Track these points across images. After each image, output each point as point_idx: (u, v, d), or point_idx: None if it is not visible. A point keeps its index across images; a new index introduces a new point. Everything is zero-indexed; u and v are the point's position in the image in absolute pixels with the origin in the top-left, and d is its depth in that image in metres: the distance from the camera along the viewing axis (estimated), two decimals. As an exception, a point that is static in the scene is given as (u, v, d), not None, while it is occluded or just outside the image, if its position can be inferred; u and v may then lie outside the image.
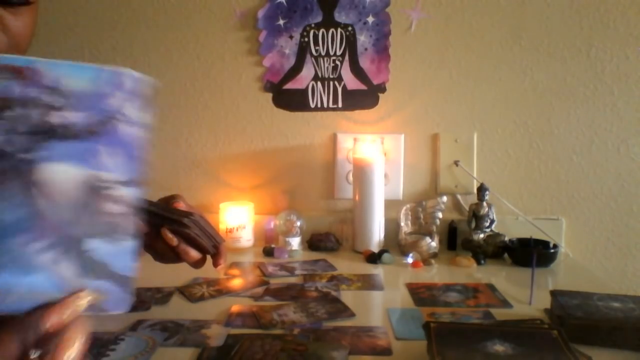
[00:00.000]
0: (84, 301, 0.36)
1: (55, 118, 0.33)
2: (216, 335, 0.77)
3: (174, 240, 0.67)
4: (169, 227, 0.66)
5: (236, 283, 1.03)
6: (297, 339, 0.75)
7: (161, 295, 0.94)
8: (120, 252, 0.36)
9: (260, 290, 0.98)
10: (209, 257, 0.77)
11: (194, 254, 0.70)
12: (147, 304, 0.90)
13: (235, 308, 0.88)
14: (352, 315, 0.85)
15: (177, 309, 0.89)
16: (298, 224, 1.28)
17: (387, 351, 0.73)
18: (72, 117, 0.34)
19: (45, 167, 0.33)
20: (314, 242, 1.28)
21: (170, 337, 0.77)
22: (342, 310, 0.87)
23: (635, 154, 1.29)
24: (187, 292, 0.96)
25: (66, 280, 0.35)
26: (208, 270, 1.07)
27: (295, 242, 1.26)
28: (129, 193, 0.36)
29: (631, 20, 1.25)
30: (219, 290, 0.98)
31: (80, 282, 0.36)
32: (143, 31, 1.33)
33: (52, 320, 0.34)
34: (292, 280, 1.05)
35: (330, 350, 0.71)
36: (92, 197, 0.35)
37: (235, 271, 1.11)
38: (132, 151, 0.36)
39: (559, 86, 1.30)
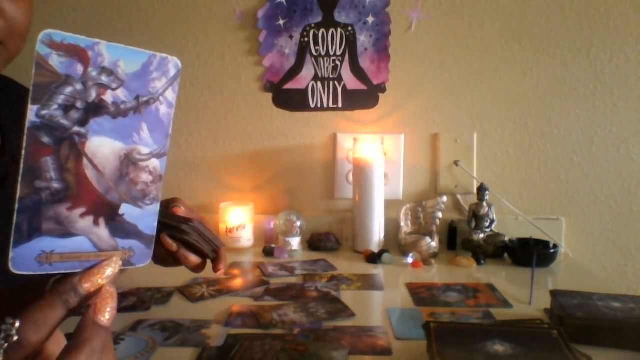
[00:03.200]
0: (118, 262, 0.39)
1: (109, 97, 0.37)
2: (216, 335, 0.77)
3: (173, 245, 0.67)
4: (168, 233, 0.66)
5: (236, 283, 1.03)
6: (297, 339, 0.75)
7: (161, 295, 0.94)
8: (146, 214, 0.41)
9: (260, 290, 0.98)
10: (209, 261, 0.77)
11: (194, 259, 0.70)
12: (147, 304, 0.90)
13: (235, 308, 0.88)
14: (352, 315, 0.85)
15: (177, 309, 0.89)
16: (298, 224, 1.28)
17: (387, 351, 0.73)
18: (123, 96, 0.38)
19: (94, 140, 0.37)
20: (314, 242, 1.28)
21: (170, 337, 0.77)
22: (342, 310, 0.87)
23: (635, 154, 1.29)
24: (187, 292, 0.96)
25: (102, 240, 0.39)
26: (208, 270, 1.08)
27: (295, 242, 1.26)
28: (159, 164, 0.41)
29: (631, 20, 1.25)
30: (219, 290, 0.98)
31: (114, 242, 0.40)
32: (143, 31, 1.33)
33: (91, 281, 0.37)
34: (292, 280, 1.05)
35: (330, 350, 0.71)
36: (130, 167, 0.39)
37: (235, 271, 1.11)
38: (166, 129, 0.41)
39: (559, 86, 1.30)
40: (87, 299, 0.37)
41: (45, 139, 0.35)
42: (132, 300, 0.92)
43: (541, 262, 1.11)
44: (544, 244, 1.18)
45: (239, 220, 1.27)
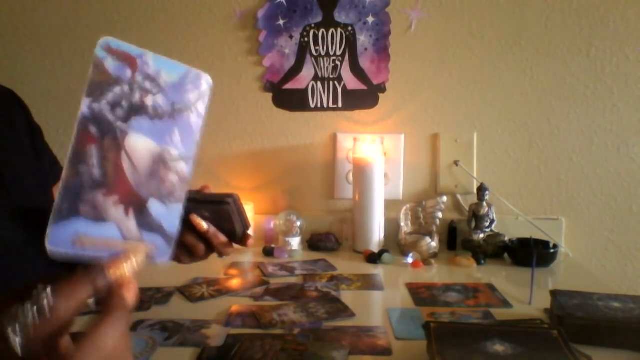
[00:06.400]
0: (143, 253, 0.42)
1: (149, 100, 0.42)
2: (216, 335, 0.77)
3: (203, 224, 0.68)
4: (198, 214, 0.69)
5: (236, 283, 1.03)
6: (297, 339, 0.75)
7: (161, 295, 0.94)
8: (171, 213, 0.44)
9: (260, 290, 0.98)
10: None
11: (223, 237, 0.71)
12: (147, 304, 0.90)
13: (235, 308, 0.88)
14: (352, 315, 0.85)
15: (177, 309, 0.89)
16: (298, 224, 1.28)
17: (387, 351, 0.73)
18: (161, 102, 0.43)
19: (133, 136, 0.41)
20: (314, 242, 1.28)
21: (170, 337, 0.77)
22: (342, 310, 0.87)
23: (635, 154, 1.29)
24: (187, 292, 0.96)
25: (129, 231, 0.42)
26: (208, 270, 1.08)
27: (295, 242, 1.26)
28: (186, 167, 0.44)
29: (631, 20, 1.25)
30: (219, 290, 0.98)
31: (139, 234, 0.42)
32: (143, 31, 1.33)
33: (118, 267, 0.39)
34: (292, 280, 1.05)
35: (330, 350, 0.71)
36: (161, 166, 0.43)
37: (235, 271, 1.11)
38: (195, 136, 0.44)
39: (559, 86, 1.30)
40: (111, 284, 0.39)
41: (93, 129, 0.40)
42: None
43: (541, 262, 1.11)
44: (544, 244, 1.18)
45: (239, 220, 1.26)
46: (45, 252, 0.38)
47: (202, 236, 0.70)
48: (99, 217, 0.40)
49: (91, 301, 0.39)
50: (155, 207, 0.43)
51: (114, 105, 0.41)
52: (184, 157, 0.44)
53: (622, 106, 1.28)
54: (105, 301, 0.38)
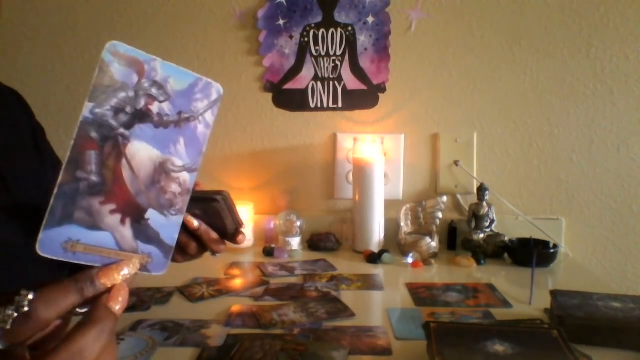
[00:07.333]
0: (136, 265, 0.41)
1: (155, 107, 0.41)
2: (216, 335, 0.77)
3: (194, 222, 0.68)
4: (189, 212, 0.68)
5: (236, 283, 1.03)
6: (297, 339, 0.75)
7: (161, 295, 0.94)
8: (170, 224, 0.43)
9: (260, 290, 0.98)
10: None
11: (215, 234, 0.71)
12: (147, 304, 0.90)
13: (235, 308, 0.88)
14: (352, 315, 0.85)
15: (177, 309, 0.89)
16: (298, 224, 1.28)
17: (387, 351, 0.73)
18: (167, 109, 0.41)
19: (135, 144, 0.40)
20: (314, 242, 1.28)
21: (170, 337, 0.77)
22: (342, 310, 0.87)
23: (635, 154, 1.29)
24: (187, 292, 0.96)
25: (125, 240, 0.41)
26: (208, 270, 1.08)
27: (295, 242, 1.26)
28: (188, 178, 0.43)
29: (631, 20, 1.25)
30: (219, 290, 0.98)
31: (135, 244, 0.41)
32: (143, 31, 1.33)
33: (108, 277, 0.39)
34: (292, 280, 1.05)
35: (330, 350, 0.71)
36: (162, 176, 0.42)
37: (235, 271, 1.11)
38: (200, 146, 0.43)
39: (559, 86, 1.30)
40: (100, 293, 0.38)
41: (93, 134, 0.39)
42: (132, 300, 0.92)
43: (541, 262, 1.11)
44: (544, 244, 1.18)
45: (239, 220, 1.26)
46: None
47: (194, 234, 0.70)
48: (94, 224, 0.40)
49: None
50: (154, 218, 0.42)
51: (118, 111, 0.40)
52: (188, 168, 0.43)
53: (622, 106, 1.28)
54: (92, 310, 0.38)
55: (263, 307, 0.88)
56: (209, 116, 0.43)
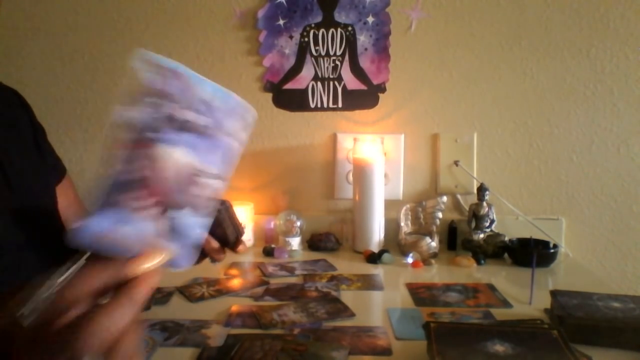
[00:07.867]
0: (161, 258, 0.42)
1: (187, 115, 0.43)
2: (216, 335, 0.77)
3: None
4: None
5: (236, 283, 1.03)
6: (297, 339, 0.75)
7: (161, 295, 0.94)
8: (196, 224, 0.45)
9: (260, 290, 0.98)
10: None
11: (215, 243, 0.71)
12: (147, 303, 0.90)
13: (235, 308, 0.88)
14: (352, 315, 0.85)
15: (177, 309, 0.90)
16: (298, 224, 1.28)
17: (387, 351, 0.73)
18: (198, 119, 0.44)
19: (164, 147, 0.42)
20: (314, 242, 1.28)
21: (170, 337, 0.77)
22: (342, 310, 0.87)
23: (635, 154, 1.29)
24: (187, 292, 0.96)
25: (151, 236, 0.42)
26: (208, 270, 1.08)
27: (295, 242, 1.26)
28: (216, 184, 0.46)
29: (631, 20, 1.25)
30: (219, 290, 0.98)
31: (161, 241, 0.43)
32: (143, 31, 1.33)
33: (134, 269, 0.40)
34: (292, 280, 1.05)
35: (330, 350, 0.71)
36: (190, 178, 0.44)
37: (235, 271, 1.11)
38: (228, 157, 0.47)
39: (559, 86, 1.30)
40: (131, 277, 0.40)
41: (124, 135, 0.41)
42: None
43: (541, 262, 1.11)
44: (544, 244, 1.18)
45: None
46: (45, 253, 0.38)
47: None
48: (123, 219, 0.41)
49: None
50: (185, 217, 0.44)
51: (144, 114, 0.42)
52: (215, 175, 0.46)
53: (622, 106, 1.28)
54: (119, 290, 0.39)
55: (263, 307, 0.88)
56: (241, 133, 0.47)
